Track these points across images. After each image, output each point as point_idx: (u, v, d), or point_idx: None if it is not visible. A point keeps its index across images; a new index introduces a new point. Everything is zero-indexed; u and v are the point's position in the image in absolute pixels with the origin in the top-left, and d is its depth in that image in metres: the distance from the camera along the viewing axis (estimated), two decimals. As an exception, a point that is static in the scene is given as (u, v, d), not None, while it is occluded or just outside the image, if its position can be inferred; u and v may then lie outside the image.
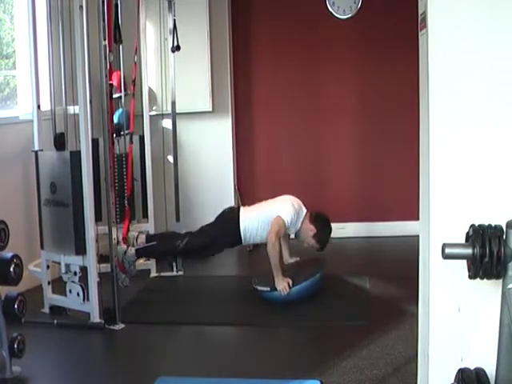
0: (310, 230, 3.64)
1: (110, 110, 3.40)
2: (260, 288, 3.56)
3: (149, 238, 3.83)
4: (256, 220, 3.63)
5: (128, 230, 3.84)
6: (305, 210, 3.68)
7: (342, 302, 3.57)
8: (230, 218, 3.70)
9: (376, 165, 5.13)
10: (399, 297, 3.59)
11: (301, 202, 3.70)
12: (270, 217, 3.58)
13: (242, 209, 3.75)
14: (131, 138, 3.97)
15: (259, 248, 4.58)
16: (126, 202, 3.88)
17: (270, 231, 3.53)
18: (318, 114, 5.14)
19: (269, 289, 3.52)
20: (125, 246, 3.70)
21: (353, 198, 5.18)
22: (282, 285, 3.47)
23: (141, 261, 3.91)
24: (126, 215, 3.86)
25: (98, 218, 3.59)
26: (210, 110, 5.01)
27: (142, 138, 4.20)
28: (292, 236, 3.85)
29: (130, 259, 3.67)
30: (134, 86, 3.99)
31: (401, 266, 4.02)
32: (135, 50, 3.95)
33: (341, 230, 4.90)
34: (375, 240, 5.05)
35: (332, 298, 3.64)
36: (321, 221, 3.69)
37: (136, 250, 3.71)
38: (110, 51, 3.31)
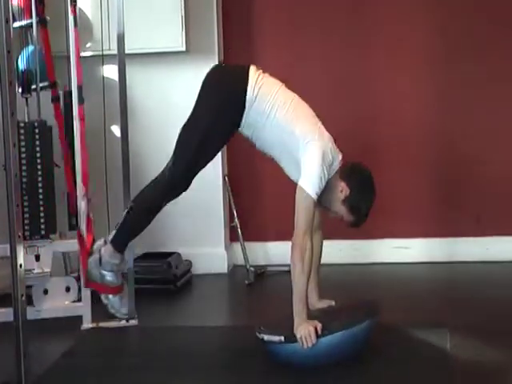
0: (341, 189, 3.66)
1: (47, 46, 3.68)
2: (268, 337, 3.56)
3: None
4: (274, 109, 3.64)
5: (93, 241, 4.01)
6: (339, 157, 3.70)
7: (404, 372, 3.52)
8: (231, 76, 3.76)
9: (465, 141, 5.32)
10: (503, 366, 3.56)
11: (333, 141, 3.69)
12: (286, 134, 3.64)
13: (252, 69, 3.74)
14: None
15: (264, 280, 4.67)
16: (82, 203, 4.08)
17: (297, 231, 3.52)
18: (372, 49, 5.35)
19: (282, 338, 3.51)
20: (96, 256, 3.86)
21: (423, 198, 5.30)
22: (306, 329, 3.44)
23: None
24: (89, 221, 4.06)
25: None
26: (183, 49, 5.12)
27: (67, 96, 4.24)
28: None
29: (110, 265, 3.81)
30: (74, 5, 4.07)
31: (505, 314, 4.13)
32: None
33: (403, 250, 5.05)
34: (462, 267, 5.12)
35: (386, 363, 3.61)
36: (359, 176, 3.72)
37: (111, 242, 3.83)
38: None
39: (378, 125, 5.40)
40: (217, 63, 3.89)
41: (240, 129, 3.71)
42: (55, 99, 4.10)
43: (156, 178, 3.83)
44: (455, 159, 5.35)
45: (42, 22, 4.15)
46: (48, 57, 3.98)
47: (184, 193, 4.72)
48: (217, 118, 3.68)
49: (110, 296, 3.83)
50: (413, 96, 5.37)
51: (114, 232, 3.86)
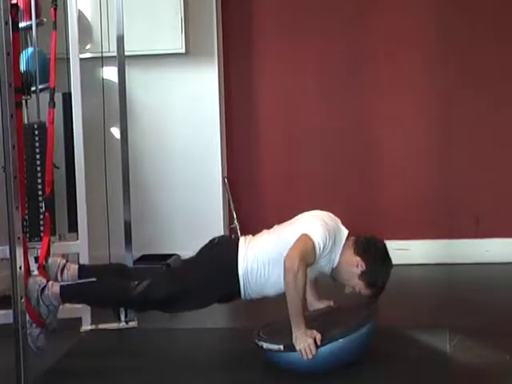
0: (356, 264, 3.63)
1: (15, 50, 3.39)
2: (267, 346, 3.53)
3: (83, 270, 3.84)
4: (266, 257, 3.65)
5: (48, 252, 3.88)
6: (345, 233, 3.70)
7: (404, 376, 3.51)
8: (222, 256, 3.73)
9: (460, 149, 5.29)
10: (502, 367, 3.52)
11: (338, 220, 3.72)
12: (283, 249, 3.59)
13: (241, 240, 3.77)
14: (53, 98, 4.01)
15: None
16: (42, 204, 3.98)
17: (291, 252, 3.49)
18: (371, 59, 5.31)
19: (282, 347, 3.48)
20: (42, 280, 3.70)
21: (421, 202, 5.27)
22: (305, 342, 3.42)
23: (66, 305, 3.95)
24: (45, 227, 3.93)
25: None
26: (183, 51, 5.11)
27: (66, 98, 4.27)
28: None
29: (49, 302, 3.66)
30: (55, 9, 4.04)
31: (504, 315, 4.11)
32: None
33: (402, 252, 4.96)
34: (461, 269, 5.12)
35: (387, 367, 3.59)
36: (373, 250, 3.68)
37: (61, 288, 3.68)
38: None
39: (376, 128, 5.37)
40: (221, 235, 3.95)
41: (242, 296, 3.69)
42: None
43: (129, 277, 3.77)
44: (454, 163, 5.32)
45: (42, 24, 4.22)
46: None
47: (184, 195, 4.65)
48: (206, 287, 3.66)
49: (34, 325, 3.60)
50: (412, 100, 5.34)
51: (70, 281, 3.74)
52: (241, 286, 3.64)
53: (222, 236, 4.02)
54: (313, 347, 3.40)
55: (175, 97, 5.20)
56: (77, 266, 3.84)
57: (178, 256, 5.04)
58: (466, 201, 5.32)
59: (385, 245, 3.74)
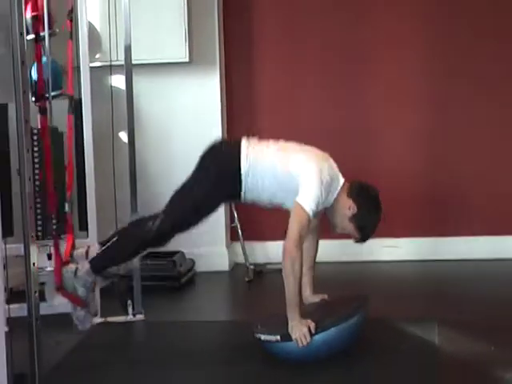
0: (348, 207, 3.64)
1: (38, 56, 3.55)
2: (265, 337, 3.56)
3: (104, 243, 3.85)
4: (264, 174, 3.64)
5: (73, 246, 3.91)
6: (342, 181, 3.68)
7: (394, 367, 3.51)
8: (226, 156, 3.73)
9: (453, 144, 5.31)
10: (487, 358, 3.52)
11: (336, 166, 3.68)
12: (284, 178, 3.61)
13: (244, 142, 3.73)
14: (72, 105, 4.08)
15: (263, 278, 4.79)
16: (66, 204, 3.97)
17: (289, 234, 3.50)
18: (362, 64, 5.33)
19: (279, 338, 3.52)
20: (72, 266, 3.78)
21: (411, 199, 5.30)
22: (300, 330, 3.45)
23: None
24: (68, 225, 3.96)
25: (8, 231, 3.50)
26: (186, 59, 5.09)
27: (76, 104, 4.22)
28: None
29: (84, 281, 3.73)
30: (71, 20, 4.09)
31: (490, 309, 4.09)
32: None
33: (391, 249, 5.08)
34: (447, 265, 5.14)
35: (377, 358, 3.60)
36: (366, 196, 3.70)
37: (90, 262, 3.75)
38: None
39: (370, 131, 5.38)
40: (214, 141, 3.90)
41: (242, 198, 3.71)
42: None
43: (144, 222, 3.78)
44: (441, 165, 5.34)
45: (55, 35, 4.21)
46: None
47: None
48: (214, 191, 3.69)
49: (78, 308, 3.73)
50: (406, 102, 5.36)
51: (96, 253, 3.78)
52: (242, 185, 3.63)
53: (221, 141, 3.94)
54: (307, 335, 3.43)
55: (179, 103, 5.18)
56: (97, 244, 3.87)
57: (183, 253, 5.05)
58: (452, 201, 5.31)
59: (377, 192, 3.74)
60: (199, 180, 3.73)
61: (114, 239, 3.79)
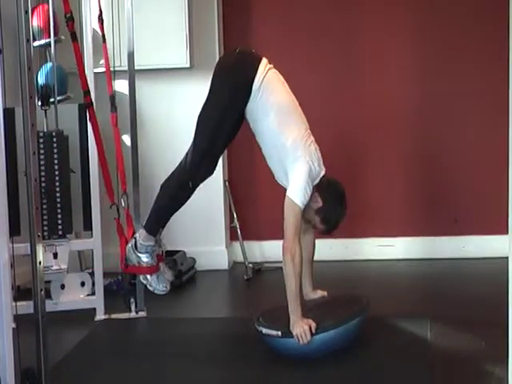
0: (315, 200, 3.67)
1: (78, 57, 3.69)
2: (266, 331, 3.58)
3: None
4: (269, 113, 3.66)
5: (133, 234, 3.97)
6: (322, 173, 3.71)
7: (389, 361, 3.56)
8: (243, 64, 3.72)
9: (444, 148, 5.27)
10: (478, 353, 3.58)
11: (321, 160, 3.71)
12: (279, 145, 3.66)
13: (264, 61, 3.73)
14: (113, 104, 4.11)
15: (261, 276, 4.76)
16: (122, 200, 4.06)
17: (286, 233, 3.56)
18: (355, 67, 5.31)
19: (280, 333, 3.53)
20: (132, 240, 3.87)
21: (406, 201, 5.29)
22: (301, 328, 3.47)
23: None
24: (128, 217, 4.03)
25: (15, 231, 3.57)
26: (187, 65, 5.09)
27: (82, 109, 4.22)
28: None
29: (146, 247, 3.82)
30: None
31: (480, 305, 4.11)
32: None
33: (388, 248, 5.07)
34: (441, 264, 5.14)
35: (374, 353, 3.64)
36: (332, 191, 3.73)
37: (145, 227, 3.85)
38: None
39: (362, 129, 5.35)
40: (232, 50, 3.88)
41: (245, 114, 3.71)
42: (88, 105, 4.01)
43: (180, 162, 3.84)
44: (435, 165, 5.32)
45: (59, 42, 4.25)
46: (81, 70, 3.98)
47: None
48: (230, 98, 3.68)
49: (148, 276, 3.84)
50: (397, 100, 5.32)
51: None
52: (250, 99, 3.64)
53: (246, 48, 3.90)
54: (308, 334, 3.45)
55: (180, 108, 5.15)
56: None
57: (184, 252, 5.05)
58: (445, 202, 5.31)
59: (343, 190, 3.76)
60: (217, 89, 3.74)
61: (158, 194, 3.86)
